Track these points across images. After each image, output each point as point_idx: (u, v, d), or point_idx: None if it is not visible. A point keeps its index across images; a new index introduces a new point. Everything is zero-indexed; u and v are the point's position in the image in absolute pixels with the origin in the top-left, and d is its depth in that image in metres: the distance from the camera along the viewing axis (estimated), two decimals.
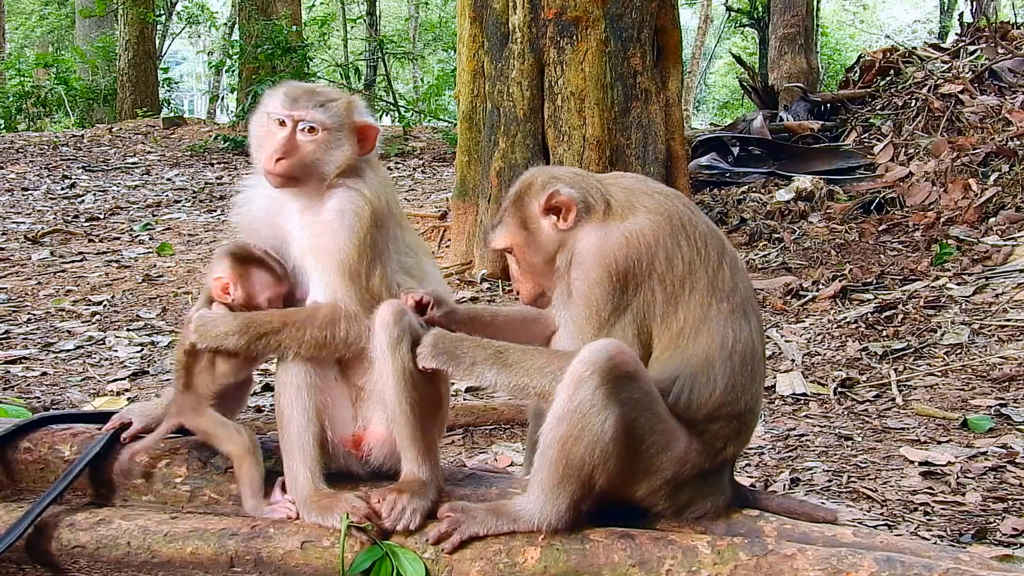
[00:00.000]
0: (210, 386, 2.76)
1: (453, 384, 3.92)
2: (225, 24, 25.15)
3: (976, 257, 6.69)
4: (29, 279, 7.48)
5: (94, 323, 6.34)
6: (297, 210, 2.73)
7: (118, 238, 9.13)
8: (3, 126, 19.08)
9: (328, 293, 2.65)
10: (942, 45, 13.20)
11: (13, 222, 9.67)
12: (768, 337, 5.59)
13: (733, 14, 26.36)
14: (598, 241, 2.47)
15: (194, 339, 2.68)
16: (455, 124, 10.31)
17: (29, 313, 6.53)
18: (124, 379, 5.20)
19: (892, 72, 11.30)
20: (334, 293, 2.63)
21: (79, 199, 11.04)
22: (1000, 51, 10.77)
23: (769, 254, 7.56)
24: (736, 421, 2.52)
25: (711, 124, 19.55)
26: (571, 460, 2.38)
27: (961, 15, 16.20)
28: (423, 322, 2.60)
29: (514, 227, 2.60)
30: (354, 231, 2.60)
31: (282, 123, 2.67)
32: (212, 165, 13.50)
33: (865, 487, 3.64)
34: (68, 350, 5.74)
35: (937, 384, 4.80)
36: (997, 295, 5.95)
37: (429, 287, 2.72)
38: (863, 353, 5.30)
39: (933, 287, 6.22)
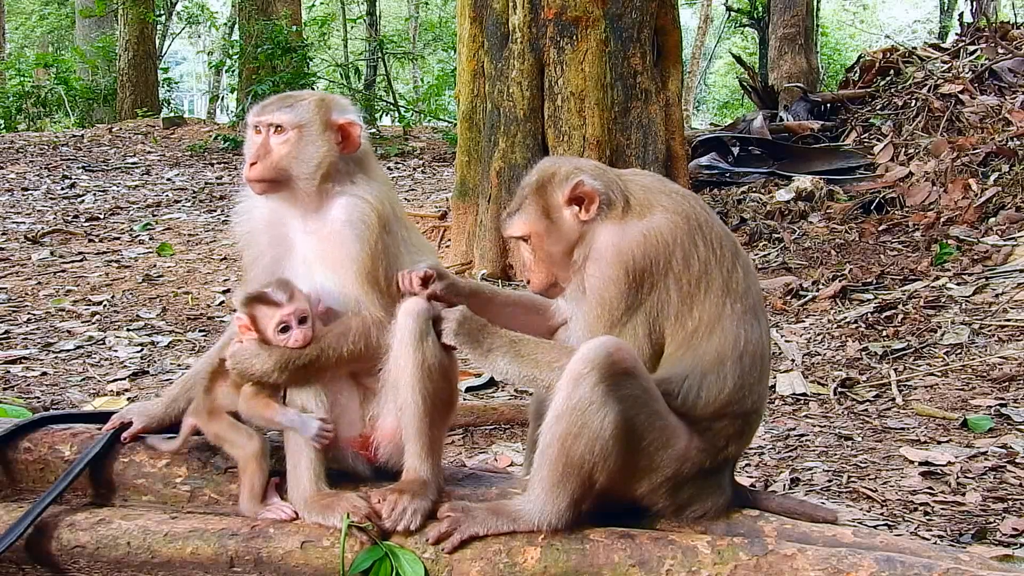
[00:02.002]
0: (231, 404, 2.74)
1: None
2: (225, 24, 25.16)
3: (976, 257, 6.69)
4: (29, 279, 7.48)
5: (94, 323, 6.34)
6: (298, 218, 2.74)
7: (118, 238, 9.13)
8: (3, 126, 19.07)
9: (352, 304, 2.66)
10: (942, 45, 13.20)
11: (13, 222, 9.67)
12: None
13: (733, 14, 26.37)
14: (616, 238, 2.47)
15: (234, 376, 2.67)
16: (455, 124, 10.31)
17: (29, 313, 6.53)
18: (124, 379, 5.20)
19: (892, 72, 11.31)
20: (358, 303, 2.65)
21: (79, 199, 11.04)
22: (1000, 51, 10.77)
23: (769, 254, 7.56)
24: (741, 420, 2.53)
25: (711, 124, 19.55)
26: (571, 458, 2.38)
27: (961, 15, 16.20)
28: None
29: (535, 215, 2.59)
30: (365, 240, 2.62)
31: (257, 130, 2.71)
32: (212, 165, 13.50)
33: (865, 487, 3.64)
34: (68, 350, 5.74)
35: (937, 384, 4.80)
36: (997, 295, 5.94)
37: (432, 261, 2.72)
38: (863, 353, 5.30)
39: (933, 287, 6.22)
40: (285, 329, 2.63)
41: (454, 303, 2.65)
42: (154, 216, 10.19)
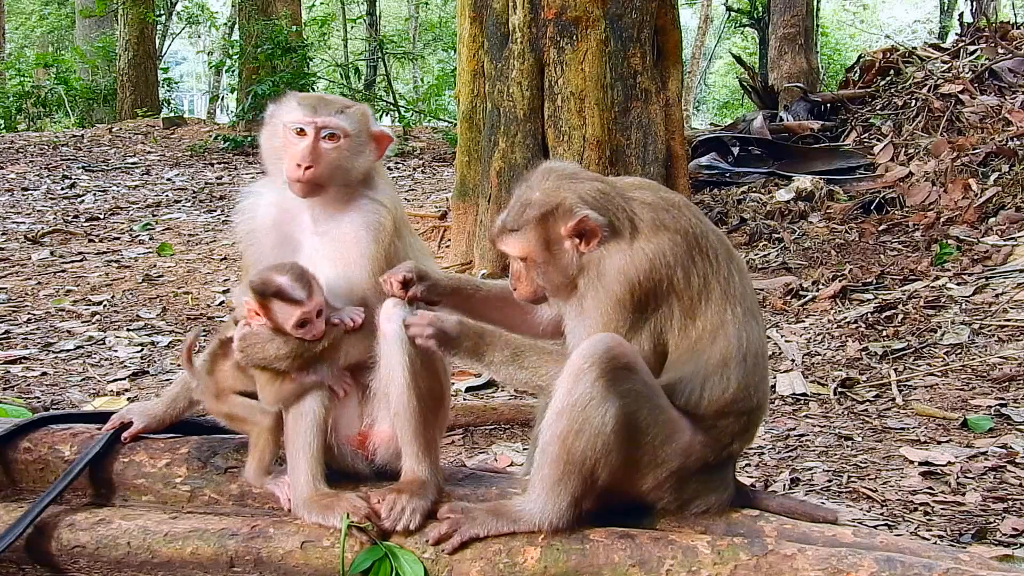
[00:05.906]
0: (236, 384, 2.73)
1: (452, 384, 3.92)
2: (225, 24, 25.15)
3: (976, 257, 6.69)
4: (29, 279, 7.48)
5: (94, 323, 6.34)
6: (310, 219, 2.75)
7: (118, 238, 9.13)
8: (3, 126, 19.06)
9: (360, 302, 2.70)
10: (942, 45, 13.19)
11: (13, 222, 9.66)
12: (768, 337, 5.59)
13: (733, 14, 26.38)
14: (622, 263, 2.46)
15: (238, 358, 2.66)
16: (455, 124, 10.31)
17: (29, 313, 6.53)
18: (124, 379, 5.20)
19: (892, 72, 11.30)
20: (366, 302, 2.68)
21: (79, 199, 11.04)
22: (1000, 51, 10.76)
23: (769, 254, 7.56)
24: (746, 417, 2.54)
25: (711, 124, 19.55)
26: (572, 455, 2.38)
27: (961, 15, 16.21)
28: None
29: (534, 241, 2.55)
30: (381, 242, 2.67)
31: (302, 132, 2.67)
32: (212, 165, 13.49)
33: (865, 487, 3.64)
34: (68, 350, 5.74)
35: (937, 384, 4.80)
36: (997, 295, 5.94)
37: (411, 263, 2.70)
38: (863, 353, 5.30)
39: (933, 287, 6.22)
40: (304, 324, 2.62)
41: (435, 302, 2.66)
42: (154, 216, 10.19)
